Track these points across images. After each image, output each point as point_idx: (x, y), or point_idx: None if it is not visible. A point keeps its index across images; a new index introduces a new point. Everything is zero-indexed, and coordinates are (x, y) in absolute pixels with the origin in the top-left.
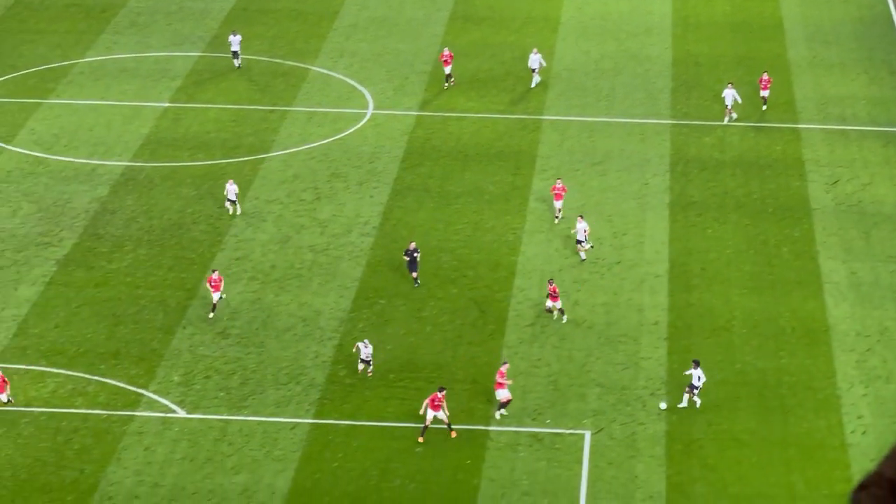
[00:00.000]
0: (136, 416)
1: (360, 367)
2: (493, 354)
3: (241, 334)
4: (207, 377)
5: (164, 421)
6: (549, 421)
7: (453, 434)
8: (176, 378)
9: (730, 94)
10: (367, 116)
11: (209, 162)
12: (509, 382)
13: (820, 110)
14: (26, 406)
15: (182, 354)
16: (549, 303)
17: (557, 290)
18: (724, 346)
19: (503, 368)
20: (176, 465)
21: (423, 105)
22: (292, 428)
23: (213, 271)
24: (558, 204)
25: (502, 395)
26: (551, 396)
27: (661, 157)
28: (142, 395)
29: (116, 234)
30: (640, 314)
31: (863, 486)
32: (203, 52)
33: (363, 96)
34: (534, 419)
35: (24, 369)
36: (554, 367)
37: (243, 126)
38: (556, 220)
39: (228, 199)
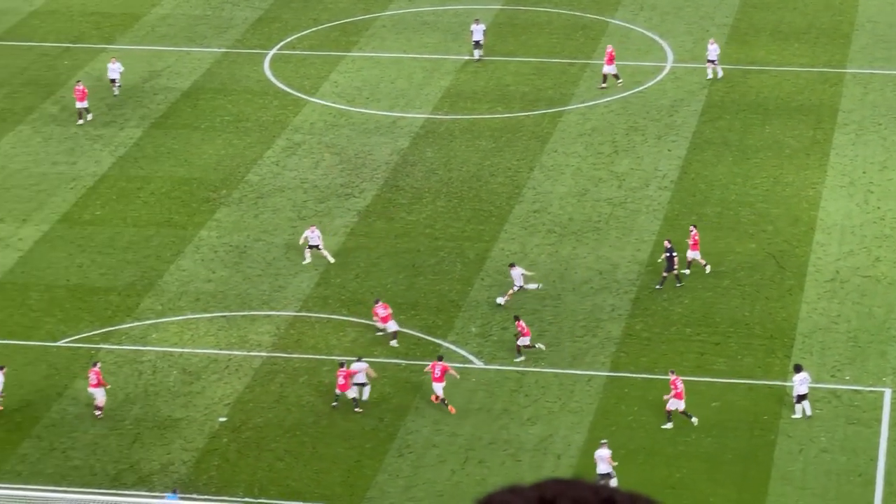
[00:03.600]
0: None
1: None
2: (792, 310)
3: (538, 286)
4: (504, 328)
5: (461, 371)
6: (848, 378)
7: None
8: (473, 329)
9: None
10: (667, 69)
11: (508, 115)
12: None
13: None
14: (327, 354)
15: (480, 306)
16: (522, 340)
17: (524, 326)
18: None
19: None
20: (473, 416)
21: (723, 58)
22: (588, 381)
23: (377, 301)
24: (693, 254)
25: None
26: (851, 353)
27: None
28: (440, 345)
29: (416, 185)
30: None
31: None
32: (504, 4)
33: (662, 49)
34: (832, 376)
35: (325, 318)
36: (854, 324)
37: (543, 79)
38: (707, 269)
39: (310, 246)
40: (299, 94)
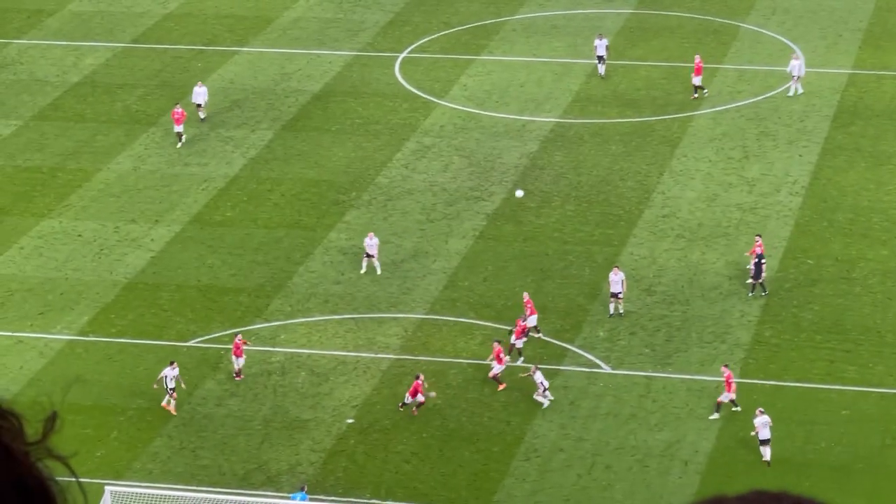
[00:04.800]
0: (562, 370)
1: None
2: None
3: (667, 291)
4: (632, 333)
5: (588, 376)
6: None
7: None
8: (601, 333)
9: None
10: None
11: (638, 119)
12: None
13: None
14: (455, 357)
15: (608, 310)
16: (495, 366)
17: (502, 352)
18: None
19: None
20: (600, 420)
21: (857, 63)
22: (716, 387)
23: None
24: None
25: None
26: None
27: None
28: (567, 349)
29: (545, 189)
30: None
31: None
32: (635, 9)
33: (795, 53)
34: None
35: (452, 321)
36: None
37: (673, 83)
38: (761, 282)
39: (367, 254)
40: (429, 97)
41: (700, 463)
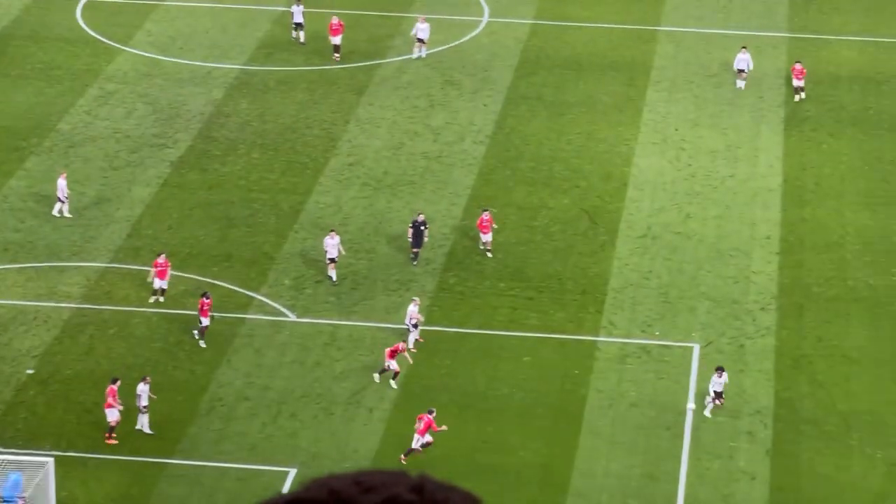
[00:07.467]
0: (247, 318)
1: (408, 343)
2: (604, 265)
3: (353, 240)
4: (318, 282)
5: (274, 324)
6: (658, 333)
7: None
8: (287, 282)
9: (743, 60)
10: (483, 24)
11: (324, 67)
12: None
13: None
14: (139, 306)
15: (293, 258)
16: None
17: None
18: (836, 262)
19: (430, 417)
20: (285, 369)
21: (539, 13)
22: (401, 334)
23: (160, 255)
24: (486, 237)
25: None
26: (661, 309)
27: (777, 70)
28: (253, 298)
29: (230, 137)
30: (751, 228)
31: None
32: None
33: (479, 4)
34: (643, 331)
35: (136, 269)
36: (664, 280)
37: (358, 32)
38: (489, 255)
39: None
40: (112, 43)
41: (385, 410)
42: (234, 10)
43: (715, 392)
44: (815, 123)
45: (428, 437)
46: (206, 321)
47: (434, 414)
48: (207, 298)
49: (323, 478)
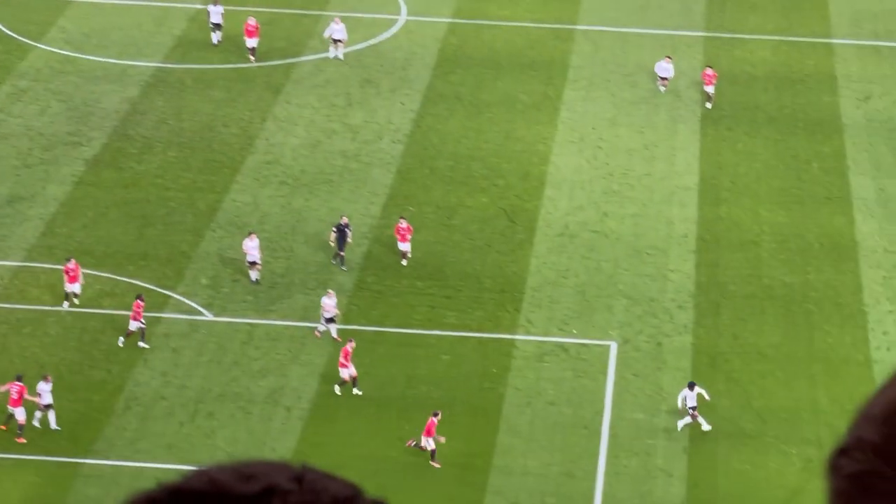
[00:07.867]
0: (164, 317)
1: (321, 328)
2: (522, 264)
3: (270, 238)
4: (235, 280)
5: (191, 323)
6: (575, 331)
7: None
8: (204, 281)
9: (666, 69)
10: (401, 23)
11: (241, 65)
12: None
13: (853, 25)
14: (53, 305)
15: (210, 257)
16: (133, 323)
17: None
18: (752, 260)
19: (349, 347)
20: (203, 368)
21: (457, 12)
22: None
23: (69, 259)
24: (404, 246)
25: (345, 373)
26: (578, 307)
27: (694, 69)
28: (169, 296)
29: (146, 135)
30: (668, 226)
31: (843, 452)
32: None
33: (396, 2)
34: (560, 329)
35: (50, 268)
36: (581, 278)
37: (276, 30)
38: (405, 263)
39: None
40: (25, 40)
41: (303, 409)
42: (149, 7)
43: (690, 407)
44: (731, 122)
45: (433, 439)
46: (136, 324)
47: (439, 416)
48: (142, 301)
49: (205, 468)
